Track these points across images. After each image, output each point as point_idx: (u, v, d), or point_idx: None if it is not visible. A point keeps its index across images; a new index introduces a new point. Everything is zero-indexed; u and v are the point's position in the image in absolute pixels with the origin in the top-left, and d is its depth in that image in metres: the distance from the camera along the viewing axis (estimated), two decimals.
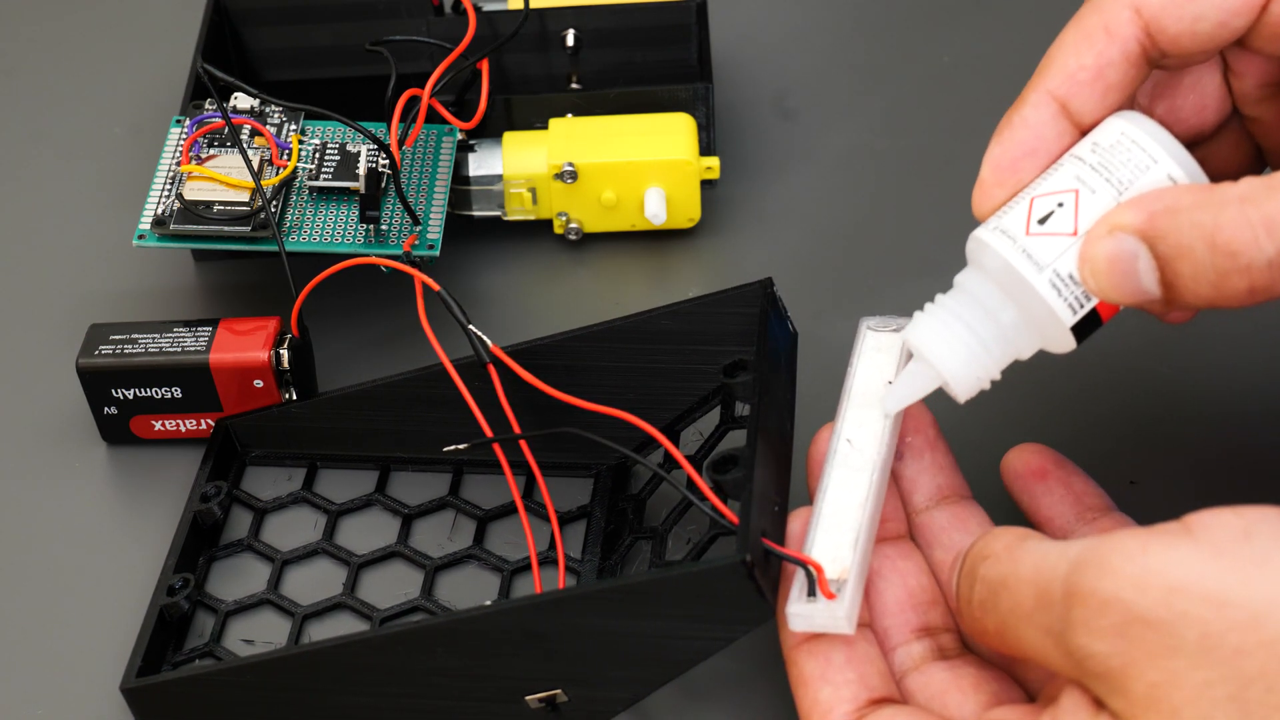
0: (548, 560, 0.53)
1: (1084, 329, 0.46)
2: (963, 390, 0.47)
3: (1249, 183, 0.42)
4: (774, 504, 0.47)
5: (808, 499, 0.48)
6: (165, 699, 0.51)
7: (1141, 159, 0.46)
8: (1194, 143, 0.50)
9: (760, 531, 0.45)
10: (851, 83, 0.71)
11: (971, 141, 0.67)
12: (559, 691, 0.48)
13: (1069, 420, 0.57)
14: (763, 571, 0.44)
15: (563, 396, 0.52)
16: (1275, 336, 0.60)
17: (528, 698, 0.48)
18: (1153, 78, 0.49)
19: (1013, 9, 0.73)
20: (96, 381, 0.57)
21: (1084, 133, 0.47)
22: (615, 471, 0.56)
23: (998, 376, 0.47)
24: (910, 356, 0.48)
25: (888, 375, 0.50)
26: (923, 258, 0.63)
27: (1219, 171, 0.50)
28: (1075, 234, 0.45)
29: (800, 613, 0.45)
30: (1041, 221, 0.46)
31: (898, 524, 0.49)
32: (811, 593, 0.45)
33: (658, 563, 0.51)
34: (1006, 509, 0.51)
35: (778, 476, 0.48)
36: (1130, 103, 0.48)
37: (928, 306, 0.48)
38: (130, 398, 0.58)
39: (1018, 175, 0.47)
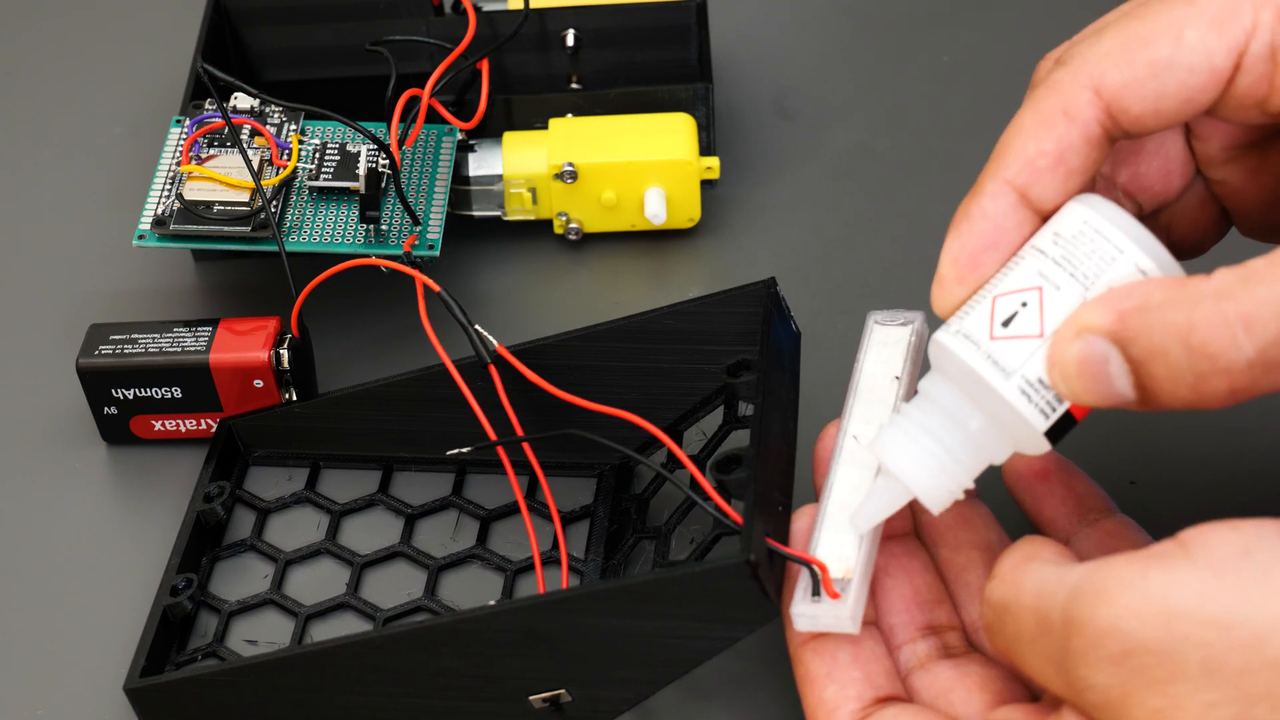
0: (551, 560, 0.53)
1: (1058, 431, 0.44)
2: (935, 503, 0.45)
3: (1222, 275, 0.40)
4: (778, 503, 0.47)
5: (813, 497, 0.48)
6: (169, 699, 0.51)
7: (1107, 250, 0.43)
8: (1159, 208, 0.49)
9: (764, 531, 0.45)
10: (851, 83, 0.71)
11: (971, 141, 0.67)
12: (563, 691, 0.48)
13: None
14: (766, 571, 0.44)
15: (566, 396, 0.52)
16: None
17: (531, 697, 0.48)
18: (1115, 146, 0.47)
19: (1013, 9, 0.73)
20: (96, 381, 0.57)
21: (1045, 219, 0.45)
22: (618, 471, 0.56)
23: (970, 485, 0.45)
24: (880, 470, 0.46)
25: (895, 370, 0.49)
26: (923, 257, 0.63)
27: (1185, 234, 0.49)
28: (1041, 335, 0.43)
29: (805, 613, 0.45)
30: (1005, 324, 0.43)
31: (903, 521, 0.49)
32: (816, 592, 0.45)
33: (661, 562, 0.51)
34: (1009, 509, 0.51)
35: (781, 476, 0.48)
36: (1092, 182, 0.47)
37: (893, 418, 0.46)
38: (130, 398, 0.58)
39: (979, 270, 0.45)
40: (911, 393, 0.50)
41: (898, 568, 0.48)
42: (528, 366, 0.53)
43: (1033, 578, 0.42)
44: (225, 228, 0.58)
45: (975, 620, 0.48)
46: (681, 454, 0.49)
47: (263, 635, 0.53)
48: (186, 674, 0.51)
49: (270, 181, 0.59)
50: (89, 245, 0.66)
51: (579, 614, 0.46)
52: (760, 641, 0.49)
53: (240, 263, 0.65)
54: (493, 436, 0.53)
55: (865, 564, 0.46)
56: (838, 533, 0.46)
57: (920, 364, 0.51)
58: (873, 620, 0.47)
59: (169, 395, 0.57)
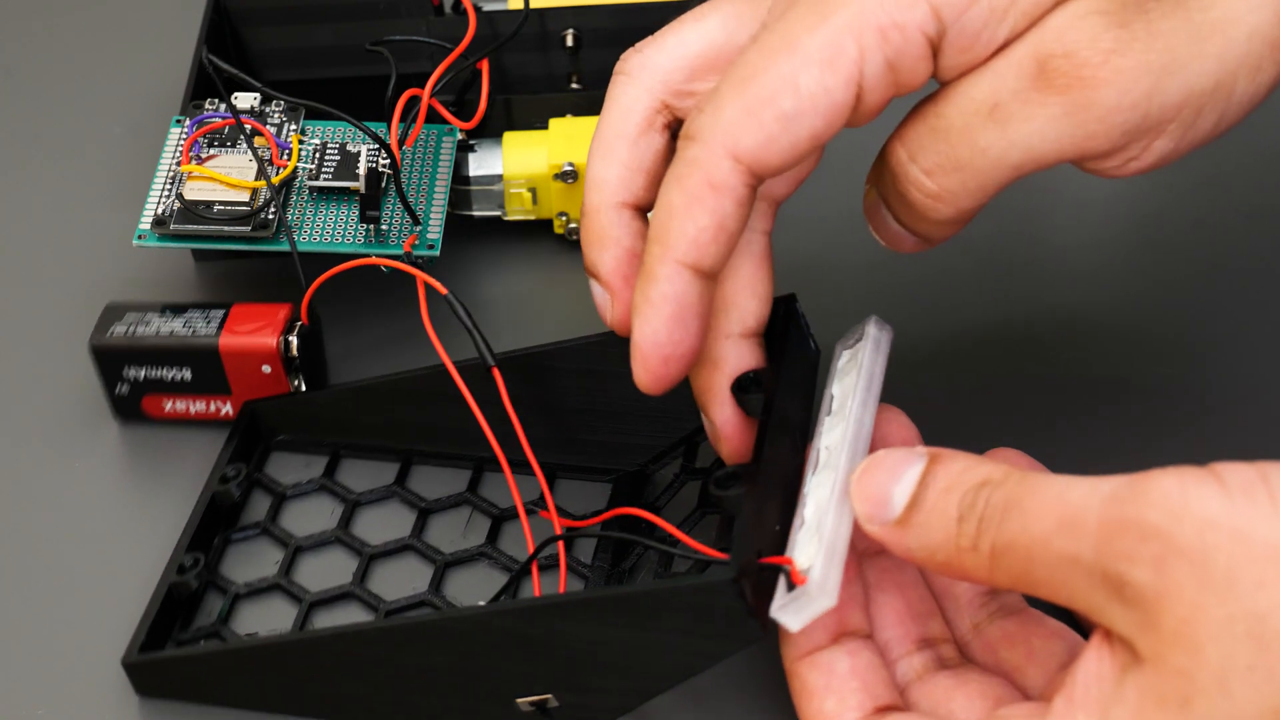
0: (555, 564, 0.53)
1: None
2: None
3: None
4: (775, 523, 0.46)
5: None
6: (164, 675, 0.51)
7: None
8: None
9: (755, 552, 0.44)
10: None
11: None
12: (550, 696, 0.48)
13: (1065, 420, 0.57)
14: (755, 590, 0.44)
15: (550, 510, 0.53)
16: (1275, 338, 0.60)
17: (519, 700, 0.48)
18: None
19: None
20: (109, 359, 0.58)
21: (715, 277, 0.46)
22: (633, 478, 0.55)
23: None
24: None
25: (853, 379, 0.49)
26: (922, 258, 0.63)
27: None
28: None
29: (780, 604, 0.44)
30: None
31: None
32: (791, 589, 0.44)
33: (662, 573, 0.51)
34: None
35: (783, 496, 0.47)
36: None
37: None
38: (142, 377, 0.58)
39: (676, 350, 0.46)
40: (878, 386, 0.49)
41: (889, 582, 0.48)
42: (536, 369, 0.53)
43: (1051, 482, 0.42)
44: (225, 228, 0.58)
45: (965, 634, 0.48)
46: (661, 521, 0.49)
47: (267, 619, 0.54)
48: (181, 652, 0.51)
49: (270, 181, 0.59)
50: (88, 245, 0.66)
51: (564, 621, 0.46)
52: (761, 647, 0.48)
53: (240, 263, 0.65)
54: (490, 439, 0.52)
55: (832, 538, 0.45)
56: (808, 531, 0.45)
57: (883, 359, 0.50)
58: (867, 634, 0.47)
59: (179, 377, 0.58)
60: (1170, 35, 0.43)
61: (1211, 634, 0.39)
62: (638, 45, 0.50)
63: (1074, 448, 0.56)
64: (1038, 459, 0.51)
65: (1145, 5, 0.43)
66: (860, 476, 0.45)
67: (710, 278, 0.46)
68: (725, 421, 0.49)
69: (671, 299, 0.46)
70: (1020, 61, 0.43)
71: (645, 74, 0.49)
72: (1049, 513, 0.42)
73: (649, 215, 0.48)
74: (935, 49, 0.44)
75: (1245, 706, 0.39)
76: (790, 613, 0.44)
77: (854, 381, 0.48)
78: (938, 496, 0.44)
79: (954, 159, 0.45)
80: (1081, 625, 0.48)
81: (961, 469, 0.44)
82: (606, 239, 0.49)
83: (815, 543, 0.45)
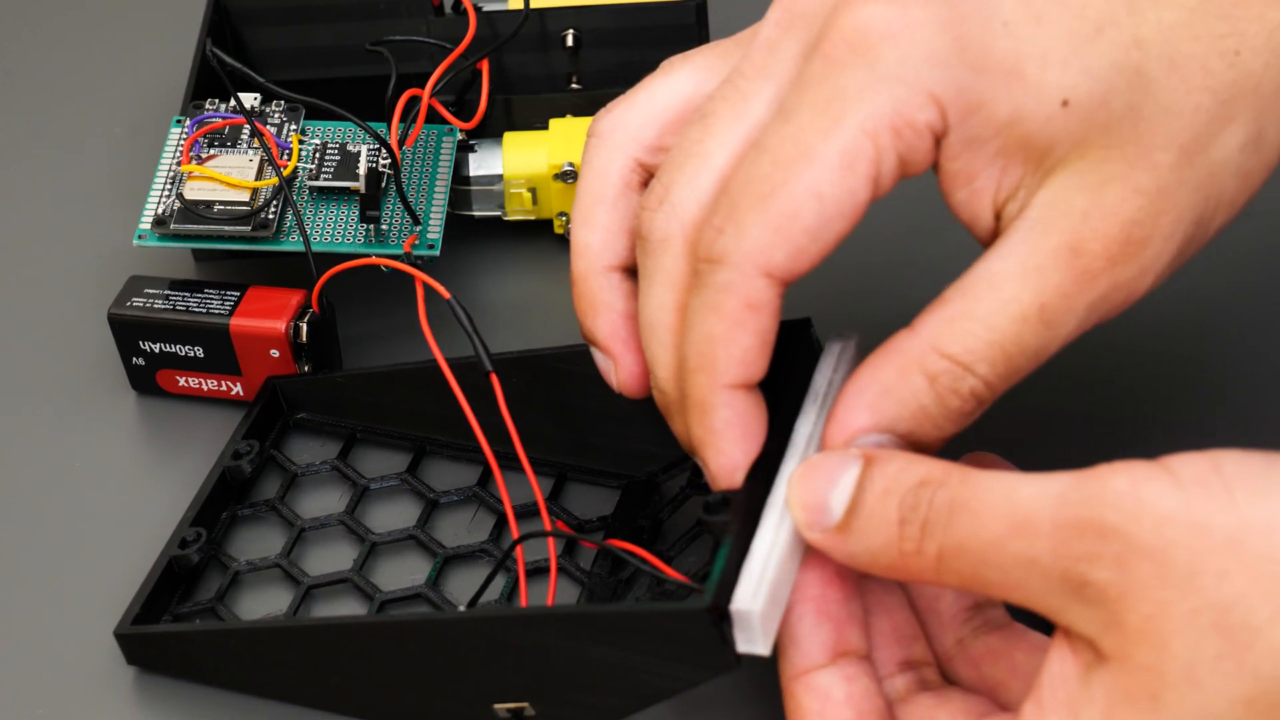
0: (560, 569, 0.53)
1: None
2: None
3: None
4: None
5: None
6: (153, 649, 0.52)
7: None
8: None
9: (734, 583, 0.43)
10: None
11: None
12: (526, 705, 0.48)
13: (1061, 422, 0.57)
14: (731, 619, 0.43)
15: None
16: (1274, 341, 0.60)
17: (496, 706, 0.48)
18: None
19: None
20: (125, 331, 0.59)
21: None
22: (643, 487, 0.55)
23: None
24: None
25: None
26: (923, 259, 0.63)
27: None
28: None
29: (736, 636, 0.43)
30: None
31: None
32: None
33: (655, 588, 0.50)
34: None
35: None
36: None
37: None
38: (157, 351, 0.59)
39: (749, 461, 0.46)
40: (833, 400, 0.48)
41: (876, 604, 0.47)
42: (547, 370, 0.53)
43: (997, 482, 0.42)
44: (225, 227, 0.58)
45: (949, 650, 0.48)
46: (639, 550, 0.49)
47: (264, 600, 0.54)
48: (169, 628, 0.52)
49: (270, 181, 0.59)
50: (88, 245, 0.66)
51: (540, 633, 0.46)
52: (759, 659, 0.46)
53: (240, 263, 0.65)
54: (484, 446, 0.52)
55: (765, 550, 0.44)
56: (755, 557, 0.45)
57: (845, 370, 0.49)
58: (865, 655, 0.46)
59: (192, 354, 0.59)
60: (1179, 193, 0.44)
61: (1177, 628, 0.39)
62: (609, 105, 0.50)
63: (1070, 451, 0.56)
64: (1035, 462, 0.51)
65: (1153, 159, 0.43)
66: (796, 482, 0.44)
67: (757, 394, 0.46)
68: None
69: (734, 423, 0.45)
70: (1056, 254, 0.43)
71: (617, 134, 0.49)
72: (999, 515, 0.41)
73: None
74: (938, 143, 0.44)
75: (1215, 697, 0.39)
76: (742, 641, 0.43)
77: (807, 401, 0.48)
78: (877, 500, 0.43)
79: (1013, 367, 0.44)
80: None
81: (898, 469, 0.43)
82: (598, 304, 0.49)
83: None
